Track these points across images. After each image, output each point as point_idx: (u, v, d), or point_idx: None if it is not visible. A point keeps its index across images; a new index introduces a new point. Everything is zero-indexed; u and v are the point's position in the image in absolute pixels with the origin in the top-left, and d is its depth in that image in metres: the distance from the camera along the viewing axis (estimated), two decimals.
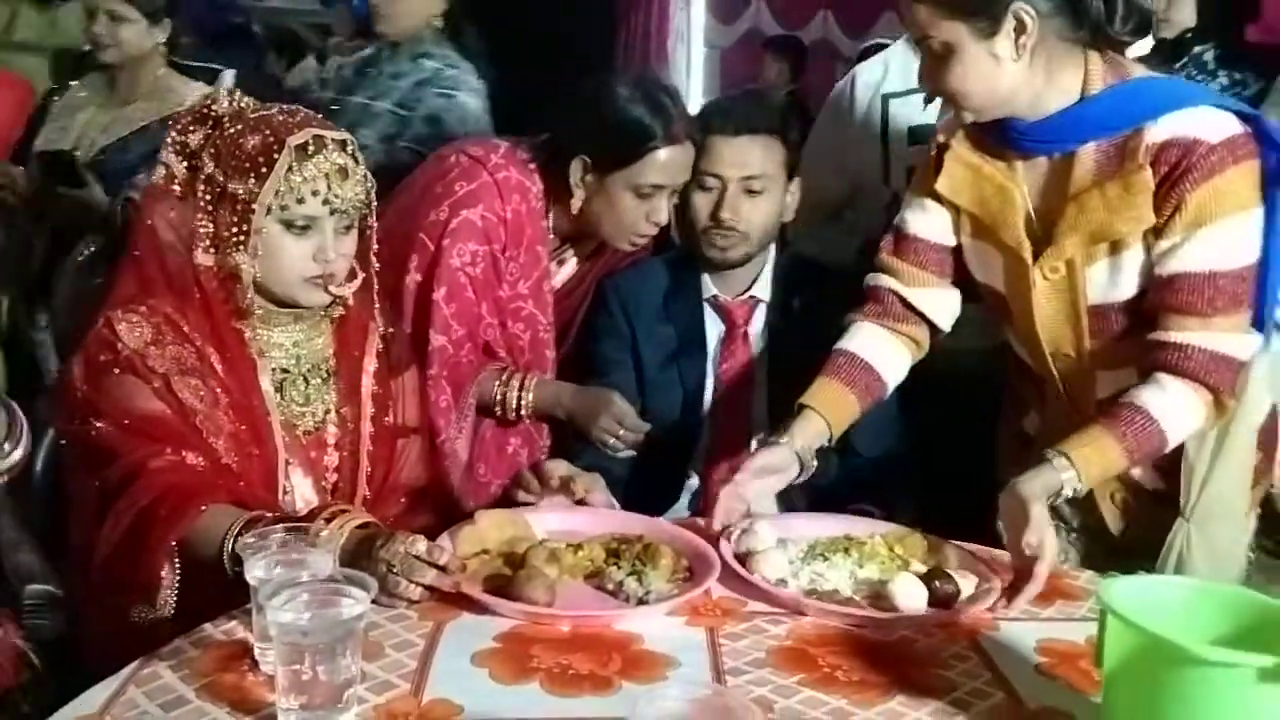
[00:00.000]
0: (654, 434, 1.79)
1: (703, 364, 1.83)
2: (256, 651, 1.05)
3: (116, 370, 1.33)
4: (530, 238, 1.80)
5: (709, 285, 1.84)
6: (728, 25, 6.67)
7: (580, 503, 1.48)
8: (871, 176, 2.14)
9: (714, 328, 1.84)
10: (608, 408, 1.74)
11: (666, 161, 1.71)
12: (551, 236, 1.85)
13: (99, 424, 1.31)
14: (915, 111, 2.02)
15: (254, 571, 1.03)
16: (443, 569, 1.19)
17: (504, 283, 1.79)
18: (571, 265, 1.94)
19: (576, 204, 1.76)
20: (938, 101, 1.92)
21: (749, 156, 1.74)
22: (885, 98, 2.11)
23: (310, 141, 1.36)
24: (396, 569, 1.16)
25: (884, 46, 2.34)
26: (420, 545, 1.19)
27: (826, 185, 2.15)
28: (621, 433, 1.74)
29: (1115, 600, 0.90)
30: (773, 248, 1.86)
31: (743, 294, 1.84)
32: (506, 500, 1.52)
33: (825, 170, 2.14)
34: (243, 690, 1.00)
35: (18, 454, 1.01)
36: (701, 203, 1.77)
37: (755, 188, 1.75)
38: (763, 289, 1.83)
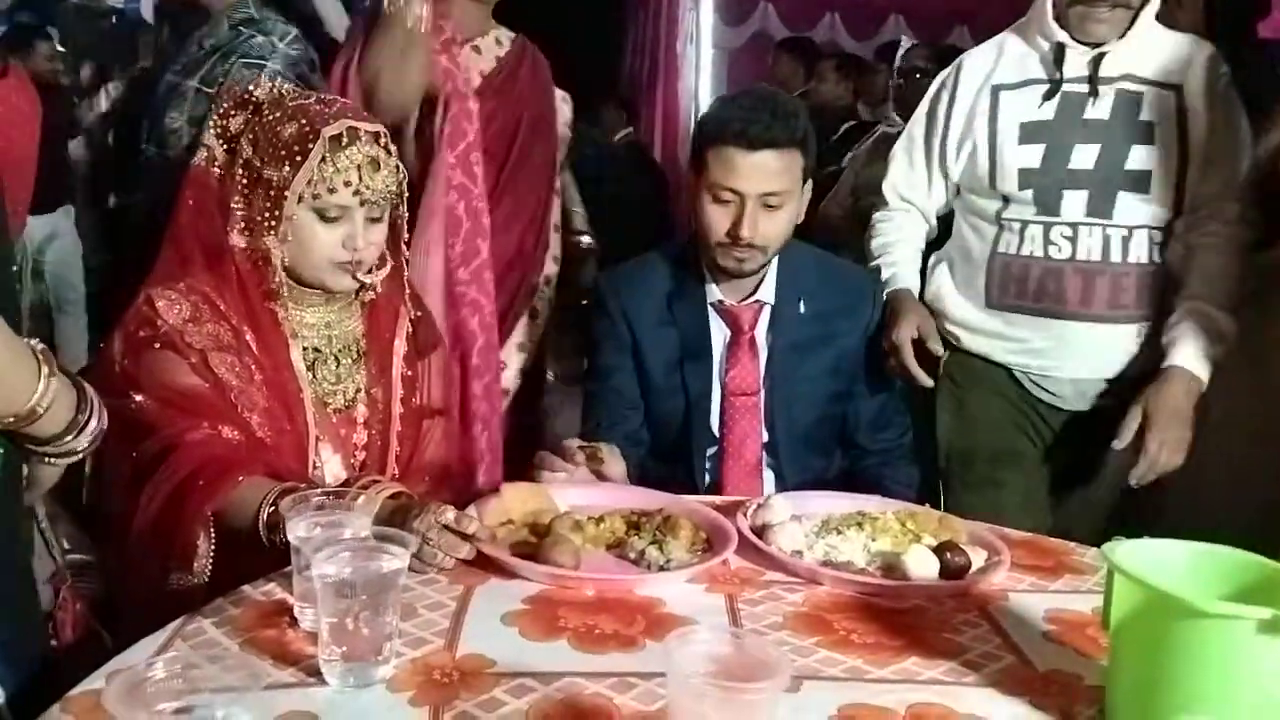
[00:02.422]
0: (662, 439, 1.80)
1: (709, 370, 1.78)
2: (296, 610, 1.09)
3: (156, 346, 1.38)
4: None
5: (713, 290, 1.78)
6: (735, 27, 6.72)
7: (600, 476, 1.52)
8: (976, 180, 1.93)
9: (719, 333, 1.79)
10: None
11: None
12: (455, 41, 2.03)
13: (138, 398, 1.35)
14: (1030, 107, 1.87)
15: (296, 531, 1.08)
16: (470, 538, 1.23)
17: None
18: (494, 46, 2.16)
19: None
20: (1055, 97, 1.86)
21: (769, 172, 1.65)
22: (995, 89, 1.91)
23: (344, 133, 1.40)
24: (431, 540, 1.21)
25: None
26: (449, 514, 1.23)
27: (921, 196, 2.03)
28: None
29: (1121, 559, 0.94)
30: None
31: (748, 298, 1.78)
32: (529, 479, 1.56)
33: (918, 180, 2.03)
34: (283, 644, 1.05)
35: (93, 424, 1.06)
36: (718, 216, 1.68)
37: (774, 203, 1.66)
38: (767, 292, 1.78)
